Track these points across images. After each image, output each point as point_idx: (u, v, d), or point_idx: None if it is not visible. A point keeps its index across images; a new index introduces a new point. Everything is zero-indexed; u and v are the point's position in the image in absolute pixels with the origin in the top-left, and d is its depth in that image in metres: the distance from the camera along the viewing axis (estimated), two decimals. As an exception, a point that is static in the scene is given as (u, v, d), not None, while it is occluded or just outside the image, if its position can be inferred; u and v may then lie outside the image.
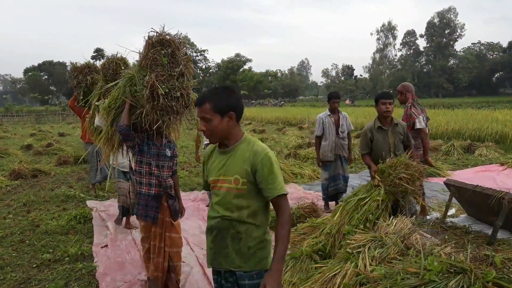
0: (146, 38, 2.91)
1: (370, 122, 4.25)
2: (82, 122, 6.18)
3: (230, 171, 1.88)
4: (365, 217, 3.61)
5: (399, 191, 3.63)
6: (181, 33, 3.01)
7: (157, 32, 2.91)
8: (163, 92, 2.79)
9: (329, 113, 5.43)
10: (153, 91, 2.80)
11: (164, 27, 2.93)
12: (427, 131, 4.81)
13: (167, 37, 2.90)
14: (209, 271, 3.59)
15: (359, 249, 3.00)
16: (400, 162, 3.72)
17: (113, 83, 3.25)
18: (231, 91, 1.92)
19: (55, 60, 76.06)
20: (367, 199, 3.72)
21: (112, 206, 5.83)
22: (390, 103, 3.95)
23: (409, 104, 4.74)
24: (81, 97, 5.81)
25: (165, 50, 2.87)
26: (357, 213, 3.68)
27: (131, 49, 3.08)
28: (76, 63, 6.09)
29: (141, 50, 2.98)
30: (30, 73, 74.26)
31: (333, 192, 5.46)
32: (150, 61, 2.86)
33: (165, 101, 2.81)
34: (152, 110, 2.85)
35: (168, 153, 3.15)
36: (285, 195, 1.83)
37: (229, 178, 1.87)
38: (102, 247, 4.31)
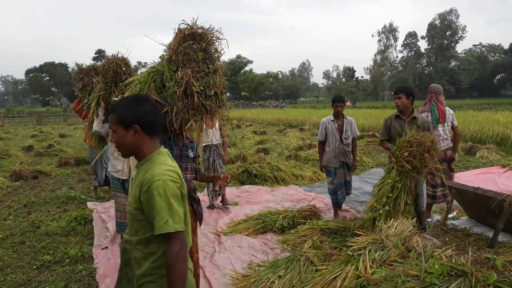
0: (176, 30, 2.70)
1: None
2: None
3: (131, 192, 1.74)
4: (383, 200, 3.79)
5: (409, 169, 3.72)
6: (213, 27, 2.78)
7: (188, 25, 2.70)
8: (198, 90, 2.59)
9: (332, 118, 5.16)
10: (186, 88, 2.59)
11: (196, 20, 2.72)
12: (442, 131, 4.96)
13: (199, 30, 2.70)
14: (209, 273, 3.58)
15: (360, 252, 3.00)
16: (402, 141, 3.81)
17: (132, 78, 3.03)
18: (141, 101, 1.74)
19: (56, 62, 76.34)
20: (383, 183, 3.92)
21: (112, 208, 5.82)
22: (398, 98, 4.33)
23: (424, 103, 5.20)
24: (86, 101, 5.71)
25: (197, 44, 2.66)
26: (373, 196, 3.96)
27: (158, 42, 2.83)
28: (81, 64, 5.89)
29: (168, 44, 2.76)
30: (31, 74, 74.42)
31: (342, 201, 5.36)
32: (182, 55, 2.64)
33: (199, 99, 2.61)
34: (184, 108, 2.62)
35: (191, 154, 2.93)
36: (171, 233, 1.56)
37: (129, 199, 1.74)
38: (102, 249, 4.30)
